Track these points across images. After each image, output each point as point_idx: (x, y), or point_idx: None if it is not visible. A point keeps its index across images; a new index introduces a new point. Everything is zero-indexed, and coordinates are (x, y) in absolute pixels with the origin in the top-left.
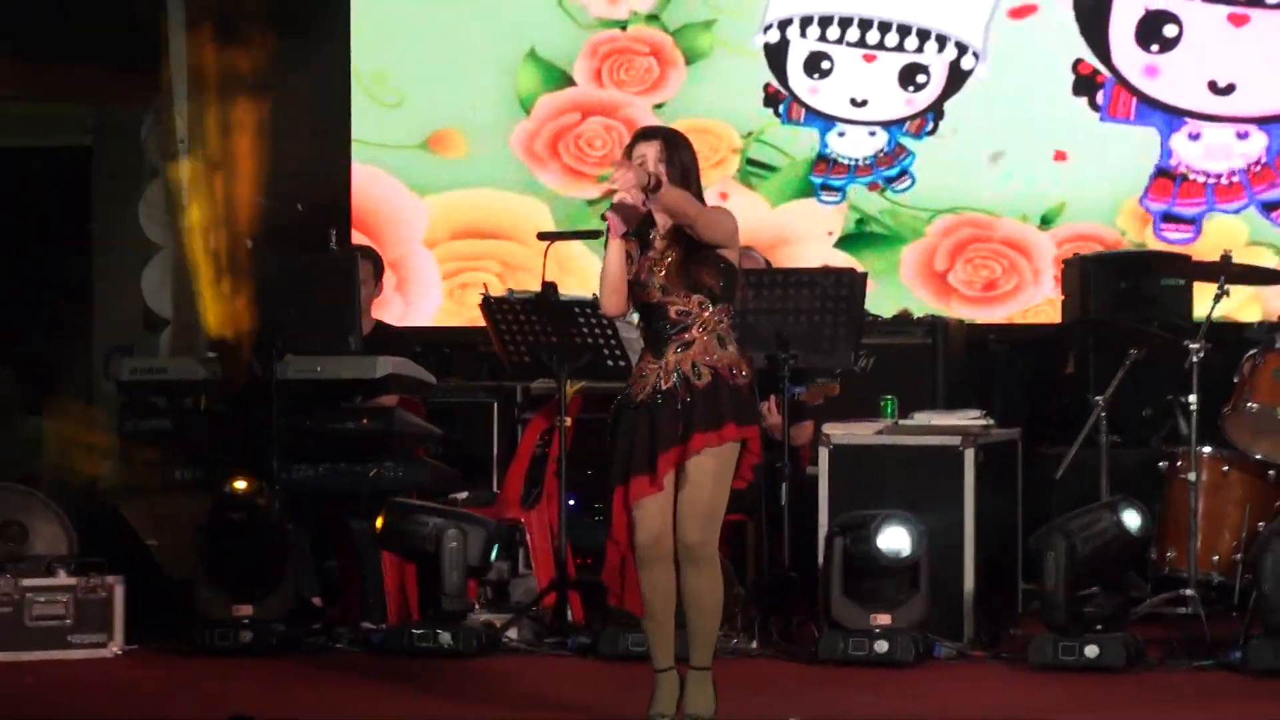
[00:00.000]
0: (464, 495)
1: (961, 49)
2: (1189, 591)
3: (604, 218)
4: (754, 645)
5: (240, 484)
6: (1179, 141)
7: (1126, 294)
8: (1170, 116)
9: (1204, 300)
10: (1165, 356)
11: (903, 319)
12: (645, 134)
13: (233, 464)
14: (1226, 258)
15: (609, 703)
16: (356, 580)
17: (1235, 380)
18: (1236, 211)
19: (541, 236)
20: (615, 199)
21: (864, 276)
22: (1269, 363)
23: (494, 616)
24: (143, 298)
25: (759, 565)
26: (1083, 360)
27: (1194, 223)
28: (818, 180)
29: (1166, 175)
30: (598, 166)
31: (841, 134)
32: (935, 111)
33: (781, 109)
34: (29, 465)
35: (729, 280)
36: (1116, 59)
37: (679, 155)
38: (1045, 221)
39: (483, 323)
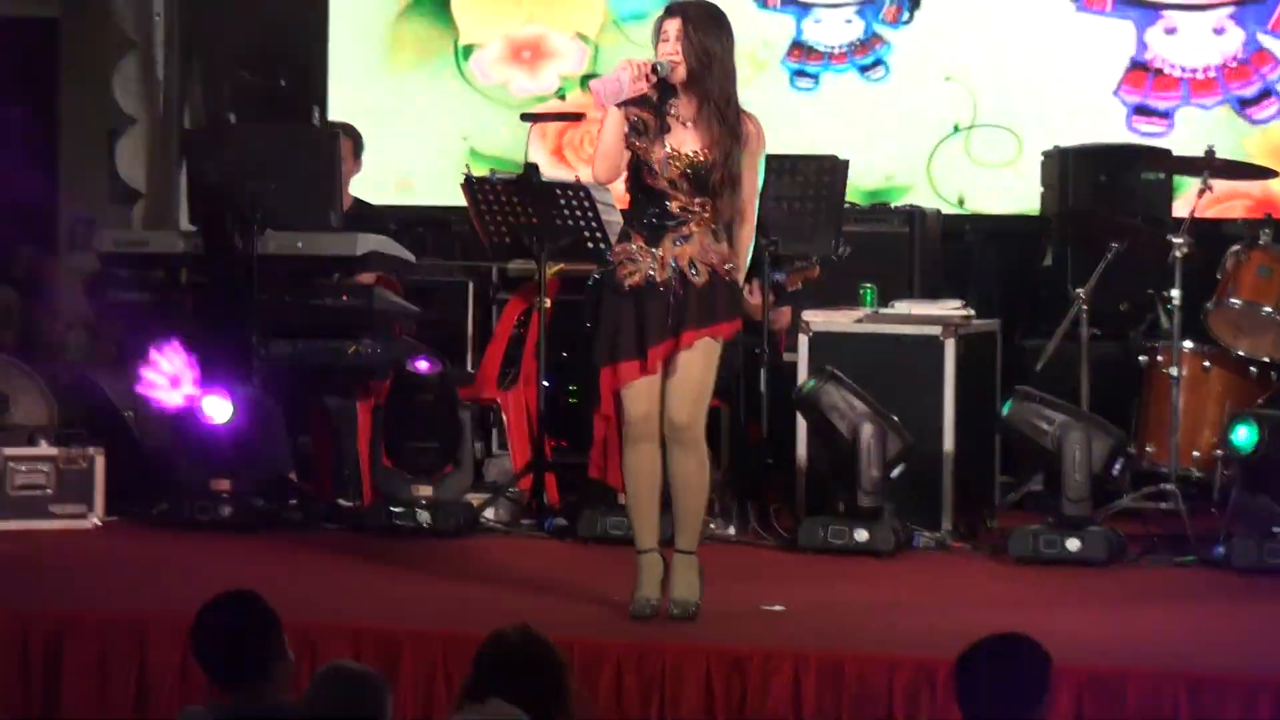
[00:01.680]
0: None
1: None
2: (1169, 487)
3: (589, 88)
4: (731, 531)
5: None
6: (1154, 36)
7: (1106, 187)
8: (1147, 10)
9: (1184, 196)
10: (1146, 251)
11: (882, 208)
12: (671, 9)
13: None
14: (1210, 152)
15: (589, 583)
16: (330, 457)
17: (1218, 276)
18: (1211, 107)
19: (524, 117)
20: (606, 79)
21: (846, 164)
22: (1253, 259)
23: (471, 495)
24: (110, 170)
25: (736, 450)
26: (1061, 253)
27: (1167, 116)
28: (792, 67)
29: (1141, 68)
30: None
31: (818, 20)
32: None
33: None
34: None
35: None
36: None
37: (700, 34)
38: None
39: (459, 201)
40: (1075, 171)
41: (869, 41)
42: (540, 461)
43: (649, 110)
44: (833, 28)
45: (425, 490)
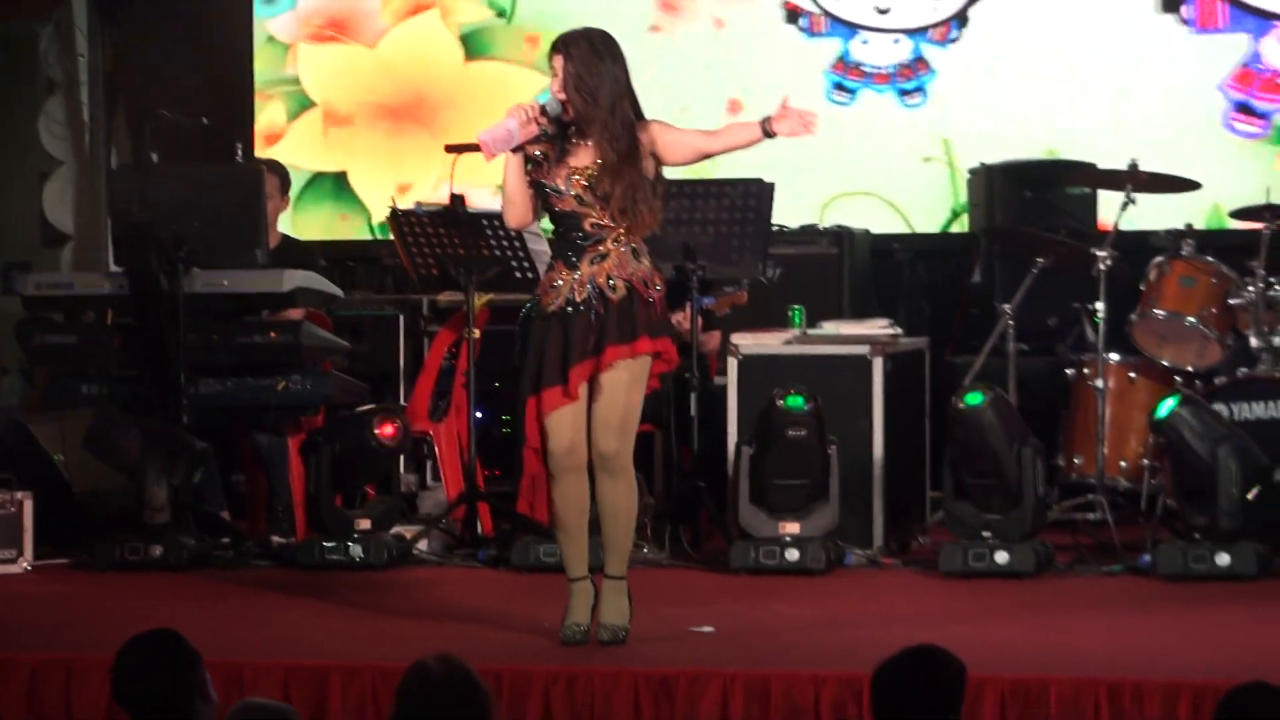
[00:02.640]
0: (371, 408)
1: None
2: (1097, 497)
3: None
4: (664, 555)
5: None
6: (1269, 46)
7: (1032, 203)
8: (1262, 20)
9: (1110, 209)
10: (1072, 265)
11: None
12: (555, 46)
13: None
14: (1133, 165)
15: (523, 612)
16: (262, 494)
17: (1142, 288)
18: None
19: (449, 149)
20: (495, 129)
21: (771, 187)
22: (1175, 270)
23: (404, 528)
24: (40, 213)
25: (667, 476)
26: (989, 269)
27: (1265, 118)
28: (834, 78)
29: (1253, 69)
30: None
31: (865, 42)
32: (960, 18)
33: (803, 22)
34: None
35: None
36: None
37: (578, 68)
38: None
39: (388, 236)
40: (1001, 188)
41: (914, 65)
42: (473, 492)
43: (546, 144)
44: (879, 48)
45: (364, 523)
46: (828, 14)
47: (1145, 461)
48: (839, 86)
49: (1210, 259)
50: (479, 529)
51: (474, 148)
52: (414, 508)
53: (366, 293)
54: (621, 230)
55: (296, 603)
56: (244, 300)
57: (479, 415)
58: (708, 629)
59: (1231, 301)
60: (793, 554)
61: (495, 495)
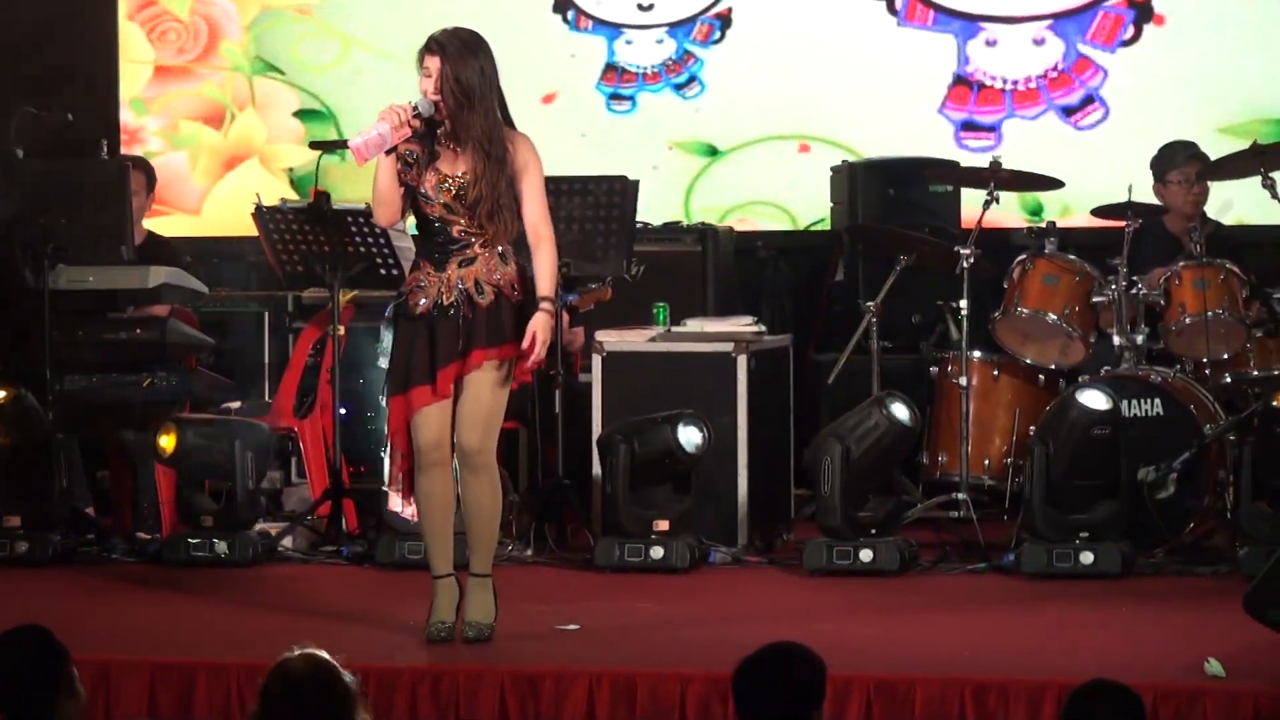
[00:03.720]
0: (237, 405)
1: None
2: (961, 495)
3: (349, 147)
4: (529, 553)
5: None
6: (975, 49)
7: (895, 201)
8: (966, 23)
9: (972, 206)
10: (935, 262)
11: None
12: (430, 46)
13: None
14: (995, 163)
15: (388, 609)
16: (128, 491)
17: (1005, 285)
18: (1035, 117)
19: (314, 145)
20: (367, 134)
21: (636, 184)
22: (1038, 268)
23: (269, 525)
24: None
25: (532, 472)
26: (852, 267)
27: (994, 130)
28: (607, 90)
29: (964, 83)
30: None
31: (629, 42)
32: (721, 19)
33: (570, 16)
34: None
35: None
36: None
37: (457, 68)
38: None
39: (253, 231)
40: (864, 185)
41: (682, 60)
42: (338, 489)
43: (417, 143)
44: (644, 48)
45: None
46: (590, 16)
47: (1008, 460)
48: (615, 96)
49: (1073, 257)
50: (344, 526)
51: (339, 144)
52: (279, 504)
53: (231, 289)
54: (488, 235)
55: (163, 599)
56: (109, 296)
57: (343, 412)
58: (573, 626)
59: (1094, 299)
60: (657, 551)
61: (360, 491)
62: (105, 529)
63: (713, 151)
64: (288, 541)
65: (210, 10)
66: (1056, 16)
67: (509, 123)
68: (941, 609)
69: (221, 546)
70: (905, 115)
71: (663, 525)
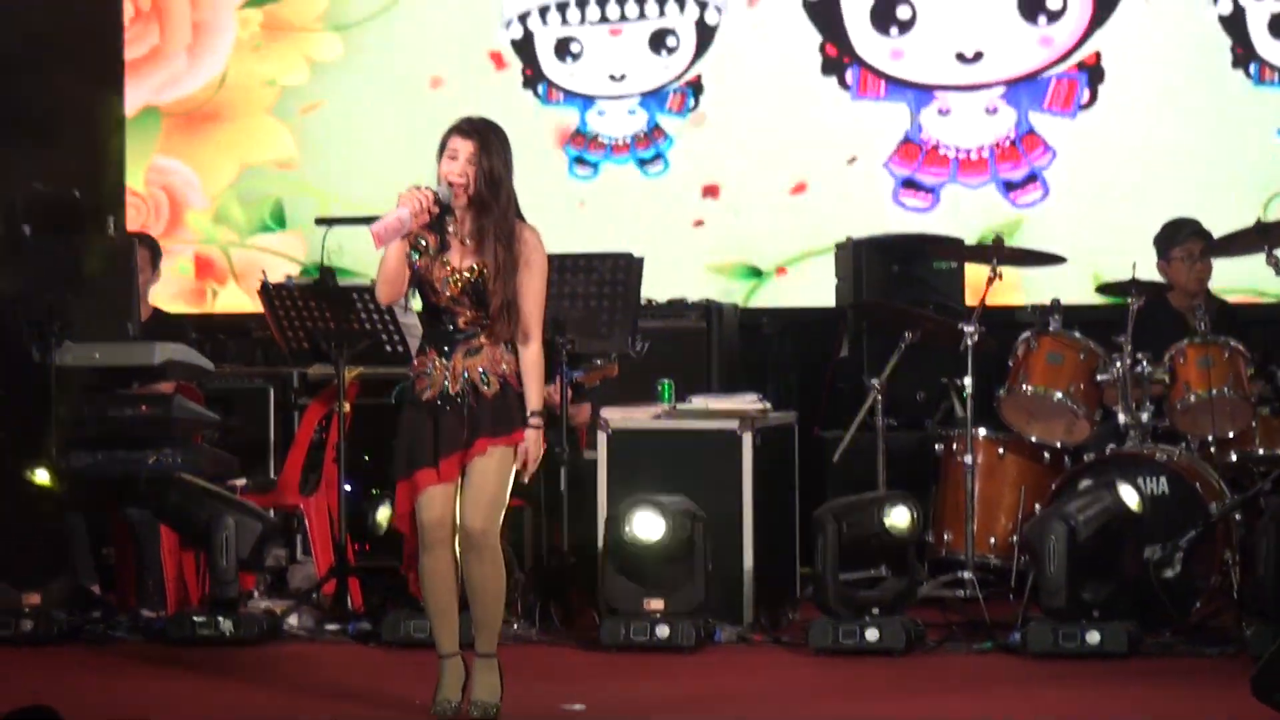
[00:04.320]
0: (242, 482)
1: (702, 5)
2: (967, 574)
3: (370, 231)
4: (534, 632)
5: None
6: (928, 117)
7: (899, 277)
8: (920, 92)
9: (976, 283)
10: (939, 340)
11: (679, 304)
12: (463, 130)
13: (26, 455)
14: (999, 241)
15: (393, 689)
16: (133, 567)
17: (1009, 363)
18: (976, 188)
19: (319, 222)
20: (387, 219)
21: (640, 261)
22: (1043, 346)
23: (274, 603)
24: None
25: (537, 550)
26: (857, 344)
27: (932, 192)
28: (573, 153)
29: (913, 144)
30: None
31: (601, 113)
32: (694, 87)
33: (540, 89)
34: None
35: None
36: (859, 48)
37: (490, 159)
38: None
39: (258, 308)
40: (868, 262)
41: (651, 134)
42: (343, 566)
43: (428, 230)
44: (616, 119)
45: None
46: (562, 89)
47: (1014, 539)
48: (579, 160)
49: (1078, 334)
50: (349, 603)
51: (345, 221)
52: (284, 582)
53: (237, 366)
54: (497, 327)
55: (168, 678)
56: (115, 373)
57: (349, 489)
58: (579, 707)
59: (1099, 377)
60: (663, 630)
61: (365, 569)
62: (110, 606)
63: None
64: (293, 620)
65: (170, 180)
66: (1007, 84)
67: (520, 214)
68: (948, 689)
69: (227, 625)
70: (852, 169)
71: (658, 604)
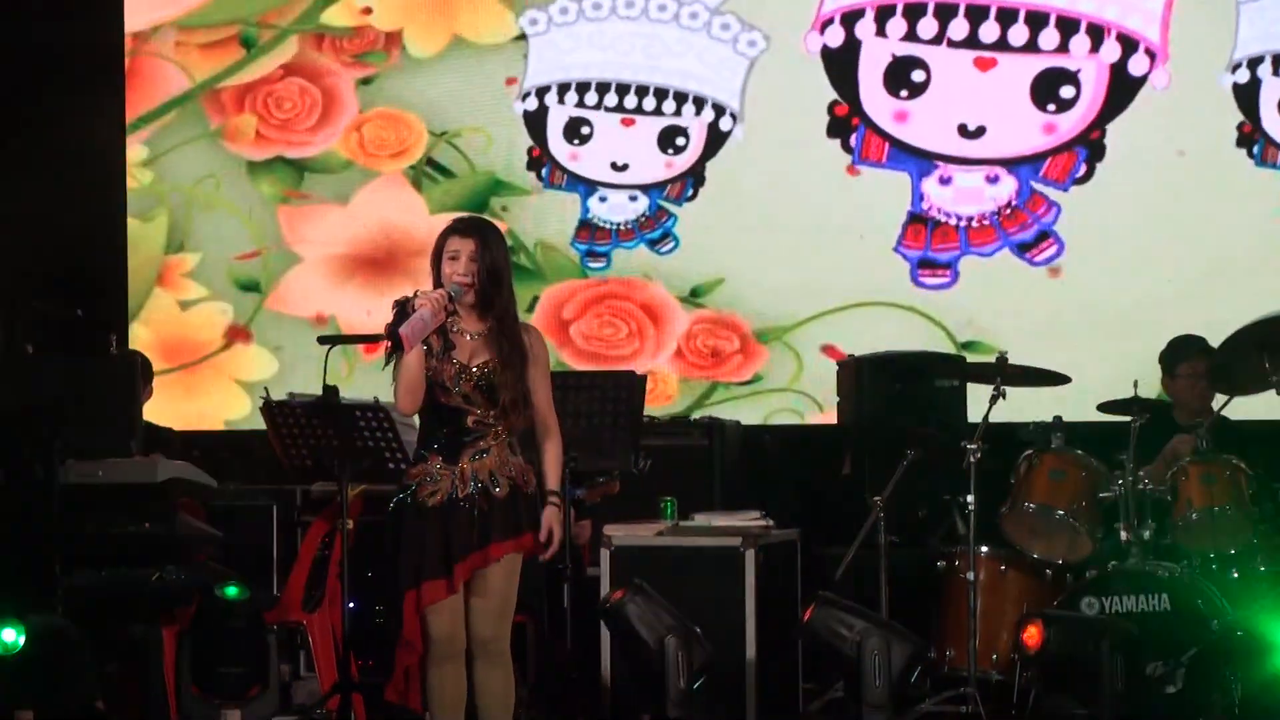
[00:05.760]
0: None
1: (719, 110)
2: (969, 690)
3: (397, 334)
4: None
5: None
6: (930, 186)
7: (901, 396)
8: (922, 161)
9: (978, 400)
10: (941, 457)
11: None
12: (461, 229)
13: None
14: (1002, 359)
15: None
16: (136, 684)
17: (1012, 480)
18: (990, 254)
19: (322, 341)
20: (412, 322)
21: (643, 379)
22: (1045, 463)
23: (280, 719)
24: None
25: (540, 666)
26: (859, 461)
27: (949, 267)
28: (582, 247)
29: (919, 221)
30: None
31: (603, 199)
32: (695, 176)
33: (544, 173)
34: None
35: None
36: (867, 105)
37: (491, 254)
38: None
39: (260, 425)
40: (870, 380)
41: (655, 215)
42: (347, 682)
43: (433, 330)
44: (617, 205)
45: (233, 714)
46: (566, 171)
47: (1015, 655)
48: (591, 253)
49: (1080, 451)
50: (353, 719)
51: (347, 340)
52: (288, 698)
53: (239, 483)
54: (501, 427)
55: None
56: (118, 490)
57: (351, 605)
58: None
59: (1102, 494)
60: None
61: (369, 685)
62: None
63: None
64: None
65: None
66: (1011, 164)
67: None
68: None
69: None
70: (863, 258)
71: None
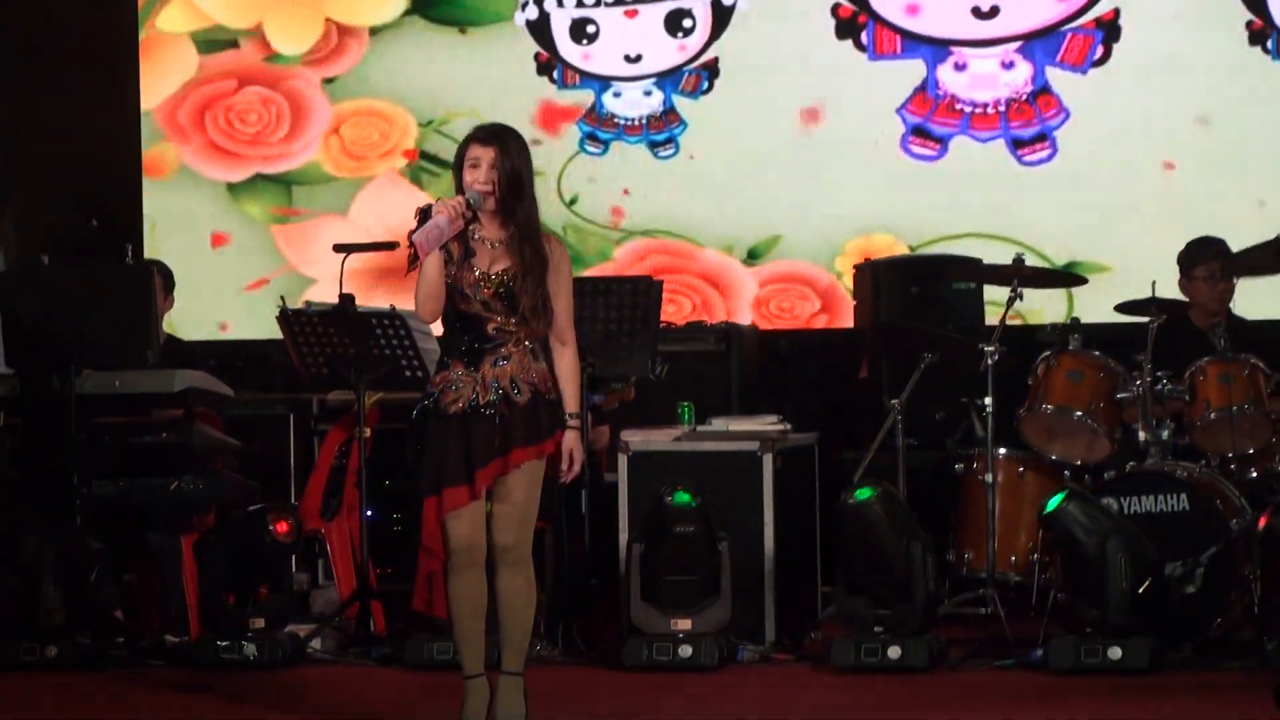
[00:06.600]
0: (264, 506)
1: None
2: (988, 591)
3: (411, 243)
4: (557, 653)
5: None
6: (945, 72)
7: (918, 298)
8: (936, 48)
9: (996, 302)
10: (959, 360)
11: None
12: (481, 137)
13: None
14: (1019, 260)
15: (417, 711)
16: (156, 594)
17: (1029, 382)
18: (986, 141)
19: (338, 249)
20: (427, 229)
21: (660, 285)
22: (1062, 364)
23: (297, 627)
24: None
25: (559, 572)
26: (876, 365)
27: (941, 142)
28: (586, 129)
29: (929, 95)
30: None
31: (618, 94)
32: (710, 69)
33: (556, 74)
34: None
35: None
36: (875, 4)
37: (512, 162)
38: None
39: (276, 333)
40: (887, 283)
41: (666, 115)
42: (366, 590)
43: (453, 239)
44: (631, 100)
45: (259, 623)
46: (579, 70)
47: (1034, 556)
48: (591, 137)
49: (1097, 353)
50: (372, 627)
51: (362, 248)
52: (307, 606)
53: (256, 392)
54: (522, 333)
55: (192, 703)
56: (135, 400)
57: (369, 513)
58: None
59: (1119, 395)
60: (686, 650)
61: (388, 593)
62: (134, 632)
63: None
64: (316, 643)
65: None
66: (1024, 39)
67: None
68: (971, 706)
69: (250, 649)
70: (863, 112)
71: (685, 624)
